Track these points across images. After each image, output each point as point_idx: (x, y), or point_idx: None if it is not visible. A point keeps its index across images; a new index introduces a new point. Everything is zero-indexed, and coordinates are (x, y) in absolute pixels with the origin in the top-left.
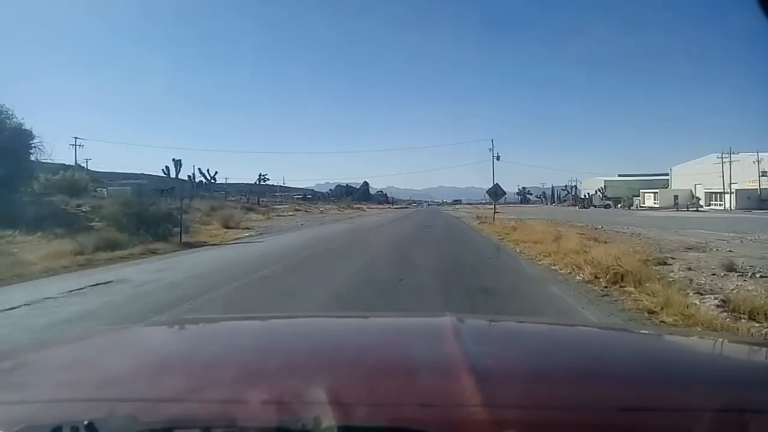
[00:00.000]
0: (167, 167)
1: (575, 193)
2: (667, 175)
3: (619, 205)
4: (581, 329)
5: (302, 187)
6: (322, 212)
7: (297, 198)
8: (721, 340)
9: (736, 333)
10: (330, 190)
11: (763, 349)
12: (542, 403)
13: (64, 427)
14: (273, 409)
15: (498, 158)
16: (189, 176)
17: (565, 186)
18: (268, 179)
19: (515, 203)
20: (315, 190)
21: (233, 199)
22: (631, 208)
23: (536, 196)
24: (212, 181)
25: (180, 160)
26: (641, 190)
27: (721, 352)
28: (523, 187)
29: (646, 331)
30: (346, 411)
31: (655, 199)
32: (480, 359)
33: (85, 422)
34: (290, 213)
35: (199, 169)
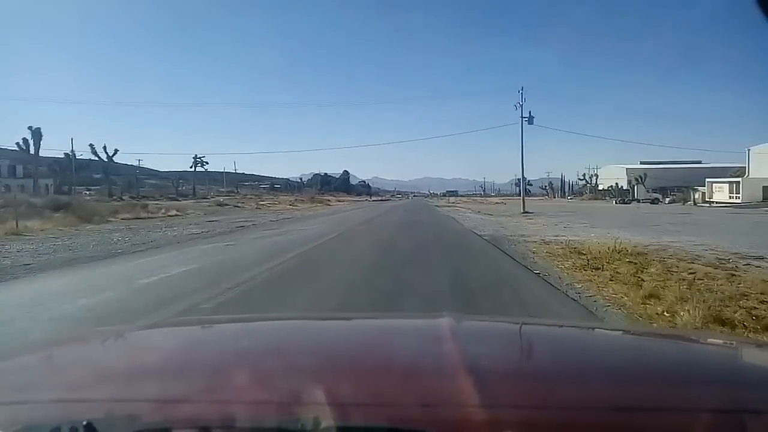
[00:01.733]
0: (25, 139)
1: (595, 183)
2: (699, 162)
3: (667, 200)
4: (580, 329)
5: (283, 177)
6: (259, 207)
7: (263, 188)
8: (721, 340)
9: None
10: (299, 179)
11: (763, 349)
12: (541, 403)
13: (63, 427)
14: (272, 410)
15: (530, 121)
16: (67, 153)
17: (583, 175)
18: (207, 163)
19: (511, 195)
20: (289, 179)
21: (174, 188)
22: (697, 203)
23: (541, 187)
24: (109, 160)
25: (39, 129)
26: (708, 180)
27: (721, 352)
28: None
29: (646, 331)
30: (345, 411)
31: (733, 191)
32: (478, 359)
33: (84, 422)
34: (173, 212)
35: (91, 145)
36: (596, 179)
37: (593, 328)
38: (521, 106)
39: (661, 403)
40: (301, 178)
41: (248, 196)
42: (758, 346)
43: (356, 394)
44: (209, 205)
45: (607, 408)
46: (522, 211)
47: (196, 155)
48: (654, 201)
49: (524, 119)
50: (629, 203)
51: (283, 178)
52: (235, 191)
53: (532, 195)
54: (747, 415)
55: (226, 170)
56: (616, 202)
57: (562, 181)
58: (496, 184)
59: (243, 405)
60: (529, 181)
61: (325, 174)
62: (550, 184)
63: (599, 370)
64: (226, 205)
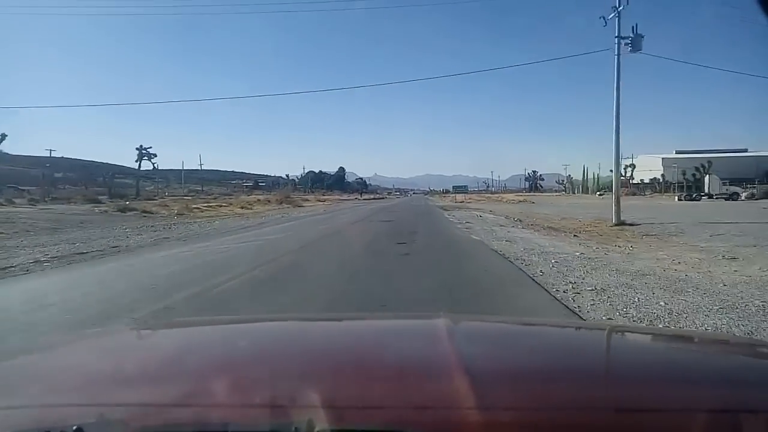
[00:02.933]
0: None
1: (630, 175)
2: (745, 151)
3: (744, 195)
4: (578, 329)
5: (276, 175)
6: (182, 213)
7: (246, 186)
8: (720, 340)
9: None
10: (286, 176)
11: (763, 349)
12: (538, 404)
13: None
14: (265, 413)
15: (636, 45)
16: None
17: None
18: (155, 155)
19: (520, 191)
20: (281, 177)
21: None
22: None
23: (558, 182)
24: None
25: None
26: None
27: (721, 352)
28: (534, 171)
29: (646, 331)
30: (340, 414)
31: None
32: (474, 360)
33: (74, 427)
34: None
35: None
36: (632, 171)
37: (592, 329)
38: (618, 13)
39: (661, 403)
40: (287, 175)
41: (215, 196)
42: (758, 346)
43: (351, 396)
44: (101, 212)
45: (605, 408)
46: (616, 221)
47: (141, 146)
48: (731, 196)
49: (622, 40)
50: (698, 199)
51: (273, 176)
52: (200, 190)
53: (545, 191)
54: (747, 415)
55: (185, 167)
56: (679, 199)
57: (585, 175)
58: (499, 180)
59: (236, 408)
60: (540, 175)
61: (320, 171)
62: (569, 177)
63: (598, 371)
64: (133, 210)
